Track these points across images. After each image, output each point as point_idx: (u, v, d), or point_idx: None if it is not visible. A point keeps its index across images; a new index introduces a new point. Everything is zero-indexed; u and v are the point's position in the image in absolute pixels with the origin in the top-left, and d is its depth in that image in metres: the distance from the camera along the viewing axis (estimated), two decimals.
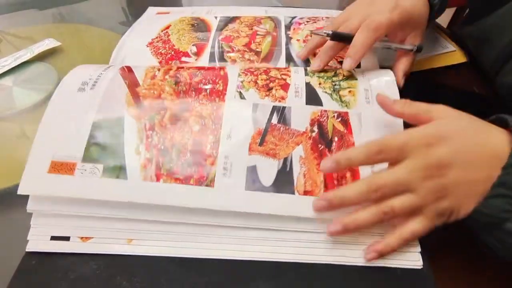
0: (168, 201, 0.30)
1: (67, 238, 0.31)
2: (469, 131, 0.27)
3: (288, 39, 0.47)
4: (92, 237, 0.31)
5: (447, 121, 0.28)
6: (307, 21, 0.51)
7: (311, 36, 0.46)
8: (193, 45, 0.46)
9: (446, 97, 0.43)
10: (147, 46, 0.47)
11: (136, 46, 0.47)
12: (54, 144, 0.32)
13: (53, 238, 0.31)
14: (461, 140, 0.26)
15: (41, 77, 0.47)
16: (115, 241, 0.31)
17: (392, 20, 0.37)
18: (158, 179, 0.31)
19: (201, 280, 0.29)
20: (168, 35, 0.48)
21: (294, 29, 0.50)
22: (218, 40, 0.47)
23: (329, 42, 0.39)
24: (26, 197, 0.31)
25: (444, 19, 0.68)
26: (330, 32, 0.37)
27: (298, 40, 0.47)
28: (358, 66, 0.40)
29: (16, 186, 0.33)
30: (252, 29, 0.49)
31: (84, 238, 0.31)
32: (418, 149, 0.26)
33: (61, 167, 0.31)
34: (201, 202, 0.30)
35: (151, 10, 0.60)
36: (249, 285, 0.29)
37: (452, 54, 0.50)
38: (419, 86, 0.44)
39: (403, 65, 0.39)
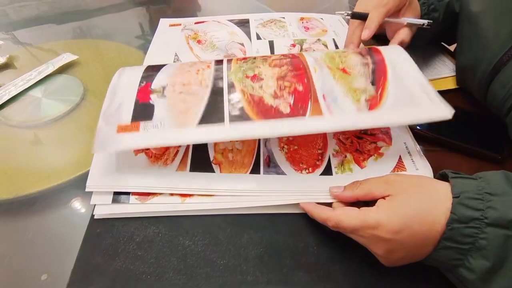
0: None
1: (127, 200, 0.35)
2: (415, 222, 0.27)
3: None
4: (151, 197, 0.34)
5: (392, 210, 0.28)
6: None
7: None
8: None
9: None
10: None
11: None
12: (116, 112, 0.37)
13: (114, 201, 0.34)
14: (405, 236, 0.27)
15: (68, 89, 0.51)
16: (171, 199, 0.34)
17: None
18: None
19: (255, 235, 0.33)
20: None
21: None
22: None
23: (353, 25, 0.46)
24: (58, 201, 0.36)
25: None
26: (350, 12, 0.46)
27: None
28: None
29: (47, 189, 0.37)
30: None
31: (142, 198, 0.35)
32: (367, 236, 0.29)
33: (127, 128, 0.35)
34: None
35: (163, 22, 0.63)
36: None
37: None
38: None
39: (403, 35, 0.46)
